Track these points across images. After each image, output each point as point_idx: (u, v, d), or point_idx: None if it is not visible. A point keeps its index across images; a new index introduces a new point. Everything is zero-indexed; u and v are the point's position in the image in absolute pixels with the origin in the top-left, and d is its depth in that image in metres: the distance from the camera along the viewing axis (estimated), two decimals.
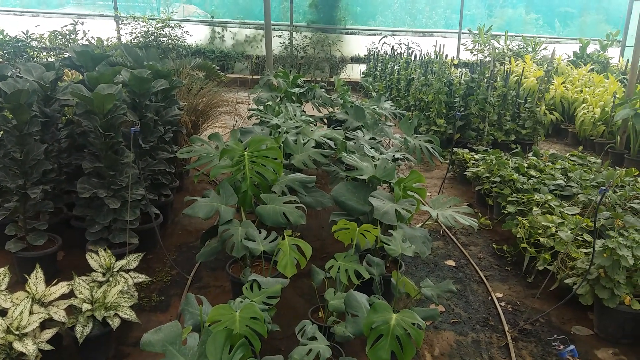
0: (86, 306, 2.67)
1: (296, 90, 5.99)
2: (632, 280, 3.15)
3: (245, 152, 3.41)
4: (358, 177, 3.59)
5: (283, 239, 2.99)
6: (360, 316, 2.42)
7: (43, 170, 3.43)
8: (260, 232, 3.14)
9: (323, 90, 6.31)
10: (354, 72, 13.93)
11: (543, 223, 3.91)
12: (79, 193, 3.40)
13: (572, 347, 1.48)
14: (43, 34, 10.04)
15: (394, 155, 4.38)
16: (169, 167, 4.28)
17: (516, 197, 4.58)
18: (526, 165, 5.31)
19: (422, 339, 2.13)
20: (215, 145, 3.86)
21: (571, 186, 4.75)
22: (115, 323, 2.68)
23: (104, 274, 2.99)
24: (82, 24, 10.38)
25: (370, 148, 4.34)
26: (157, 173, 4.17)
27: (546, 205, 4.28)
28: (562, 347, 1.48)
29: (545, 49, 13.20)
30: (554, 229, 3.81)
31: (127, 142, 3.59)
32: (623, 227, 3.60)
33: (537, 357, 2.99)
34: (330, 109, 6.14)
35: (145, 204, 3.70)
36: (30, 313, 2.53)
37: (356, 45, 14.59)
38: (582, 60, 12.33)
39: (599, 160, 5.77)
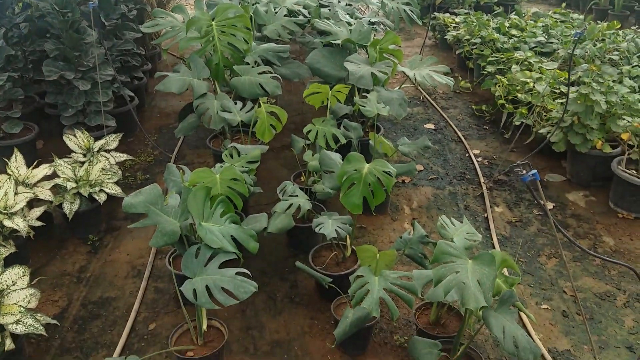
0: (71, 184, 2.72)
1: None
2: (605, 126, 3.22)
3: (213, 22, 3.27)
4: (332, 41, 3.50)
5: (259, 107, 2.98)
6: (335, 171, 2.48)
7: (6, 57, 3.30)
8: (236, 104, 3.12)
9: None
10: None
11: (521, 79, 3.90)
12: (45, 76, 3.30)
13: (534, 171, 1.54)
14: None
15: (369, 20, 4.23)
16: (138, 49, 4.13)
17: (496, 57, 4.51)
18: (508, 25, 5.16)
19: (392, 184, 2.21)
20: (182, 19, 3.69)
21: (552, 42, 4.67)
22: (101, 198, 2.76)
23: (84, 155, 3.00)
24: None
25: (346, 14, 4.17)
26: (126, 54, 4.02)
27: (526, 62, 4.24)
28: (524, 172, 1.54)
29: None
30: (532, 84, 3.81)
31: (90, 23, 3.42)
32: (598, 75, 3.60)
33: (510, 202, 3.14)
34: None
35: (118, 87, 3.62)
36: (16, 193, 2.57)
37: None
38: None
39: (581, 17, 5.63)
